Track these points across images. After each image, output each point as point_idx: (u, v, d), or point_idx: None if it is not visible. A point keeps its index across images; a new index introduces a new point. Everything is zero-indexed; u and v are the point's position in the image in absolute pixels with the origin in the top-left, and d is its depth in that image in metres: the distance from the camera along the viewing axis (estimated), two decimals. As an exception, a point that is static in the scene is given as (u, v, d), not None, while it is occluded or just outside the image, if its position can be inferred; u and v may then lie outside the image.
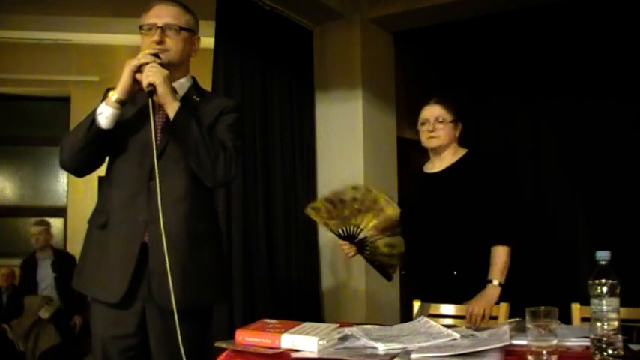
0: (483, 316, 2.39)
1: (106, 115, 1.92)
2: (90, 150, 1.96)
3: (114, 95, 1.92)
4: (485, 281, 2.46)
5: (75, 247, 5.94)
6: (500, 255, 2.47)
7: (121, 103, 1.93)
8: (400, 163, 5.11)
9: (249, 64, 4.20)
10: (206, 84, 3.39)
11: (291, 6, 4.48)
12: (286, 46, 4.54)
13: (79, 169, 2.05)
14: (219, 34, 3.93)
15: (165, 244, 1.80)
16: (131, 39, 5.69)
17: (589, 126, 5.06)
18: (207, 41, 3.63)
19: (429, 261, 2.61)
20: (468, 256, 2.51)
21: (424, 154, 2.82)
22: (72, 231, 6.15)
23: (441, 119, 2.63)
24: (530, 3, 4.44)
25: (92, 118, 1.93)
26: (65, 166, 2.03)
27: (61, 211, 6.38)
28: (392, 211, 2.58)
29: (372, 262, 2.70)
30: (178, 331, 1.73)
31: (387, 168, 4.88)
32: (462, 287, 2.49)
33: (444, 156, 2.69)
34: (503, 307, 2.38)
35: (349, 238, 2.64)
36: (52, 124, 6.48)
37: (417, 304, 2.53)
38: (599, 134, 5.00)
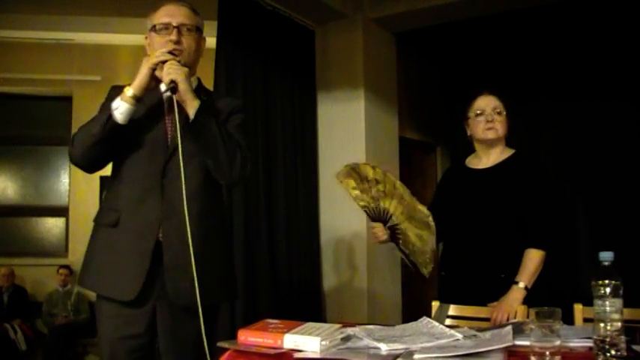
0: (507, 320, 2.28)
1: (121, 110, 1.91)
2: (102, 146, 1.95)
3: (129, 91, 1.92)
4: (536, 286, 2.36)
5: (76, 247, 5.96)
6: (533, 258, 2.37)
7: (137, 99, 1.93)
8: (402, 162, 5.11)
9: (251, 64, 4.20)
10: (208, 84, 3.39)
11: (294, 6, 4.48)
12: (288, 46, 4.54)
13: (89, 164, 2.03)
14: (221, 34, 3.93)
15: (190, 239, 1.80)
16: (133, 39, 5.71)
17: (589, 126, 5.07)
18: (209, 41, 3.61)
19: (472, 262, 2.47)
20: (517, 259, 2.39)
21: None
22: (73, 231, 6.15)
23: (498, 110, 2.53)
24: (531, 3, 4.44)
25: (108, 114, 1.91)
26: (76, 161, 2.01)
27: (62, 211, 6.38)
28: (409, 198, 2.45)
29: (406, 255, 2.54)
30: (202, 328, 1.74)
31: (388, 168, 4.85)
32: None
33: (493, 152, 2.57)
34: (521, 309, 2.31)
35: (380, 220, 2.50)
36: (53, 124, 6.49)
37: (435, 305, 2.44)
38: (600, 134, 5.00)
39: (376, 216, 2.52)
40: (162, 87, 1.95)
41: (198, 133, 1.93)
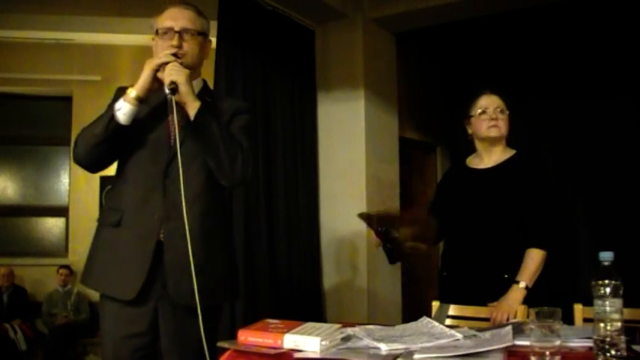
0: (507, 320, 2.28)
1: (124, 111, 1.93)
2: (105, 146, 1.98)
3: (132, 92, 1.94)
4: (537, 286, 2.37)
5: (76, 247, 5.95)
6: (534, 258, 2.38)
7: (139, 100, 1.95)
8: (402, 162, 5.11)
9: (251, 64, 4.20)
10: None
11: (294, 6, 4.48)
12: (288, 46, 4.54)
13: (92, 164, 2.05)
14: (221, 34, 3.93)
15: (189, 240, 1.82)
16: (133, 39, 5.71)
17: (589, 126, 5.07)
18: (210, 41, 3.64)
19: (475, 262, 2.48)
20: (520, 259, 2.39)
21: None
22: (73, 230, 6.15)
23: (501, 109, 2.53)
24: (531, 3, 4.44)
25: (111, 114, 1.94)
26: (79, 161, 2.04)
27: (62, 211, 6.38)
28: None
29: (386, 250, 2.56)
30: (202, 327, 1.75)
31: (389, 168, 4.88)
32: None
33: (494, 151, 2.58)
34: (521, 309, 2.30)
35: (383, 236, 2.51)
36: (54, 124, 6.49)
37: (435, 305, 2.43)
38: (600, 134, 5.01)
39: (381, 233, 2.52)
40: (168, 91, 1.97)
41: (199, 133, 1.95)
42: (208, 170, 2.00)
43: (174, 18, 2.03)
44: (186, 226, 1.83)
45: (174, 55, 1.96)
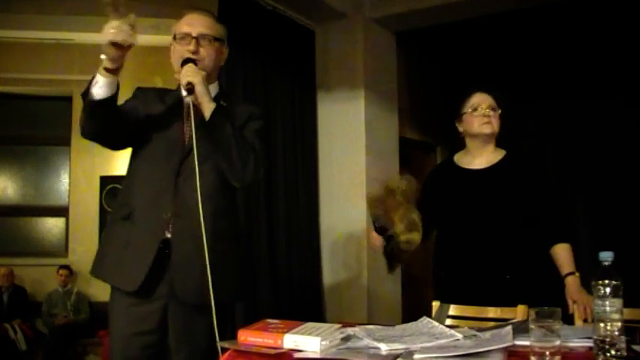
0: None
1: (100, 84, 1.88)
2: (97, 121, 1.96)
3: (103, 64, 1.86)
4: (537, 285, 2.41)
5: (76, 247, 5.95)
6: (568, 249, 2.43)
7: (109, 71, 1.86)
8: (402, 162, 5.11)
9: (251, 64, 4.20)
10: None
11: (294, 6, 4.48)
12: (288, 46, 4.54)
13: (95, 137, 2.03)
14: (222, 34, 3.93)
15: (204, 238, 1.85)
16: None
17: (589, 126, 5.07)
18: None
19: (476, 263, 2.48)
20: (521, 259, 2.43)
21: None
22: (73, 230, 6.15)
23: (493, 107, 2.55)
24: (531, 3, 4.44)
25: (86, 88, 1.91)
26: (83, 135, 2.03)
27: (62, 211, 6.38)
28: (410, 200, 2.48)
29: (388, 257, 2.55)
30: (215, 324, 1.77)
31: (389, 168, 4.87)
32: (514, 291, 2.38)
33: (486, 150, 2.59)
34: (521, 309, 2.26)
35: (381, 231, 2.50)
36: (54, 124, 6.49)
37: (435, 305, 2.43)
38: (600, 134, 5.01)
39: (380, 227, 2.50)
40: (184, 91, 2.01)
41: (213, 134, 1.98)
42: (219, 171, 2.03)
43: (192, 24, 2.07)
44: (202, 225, 1.86)
45: (192, 60, 1.99)
